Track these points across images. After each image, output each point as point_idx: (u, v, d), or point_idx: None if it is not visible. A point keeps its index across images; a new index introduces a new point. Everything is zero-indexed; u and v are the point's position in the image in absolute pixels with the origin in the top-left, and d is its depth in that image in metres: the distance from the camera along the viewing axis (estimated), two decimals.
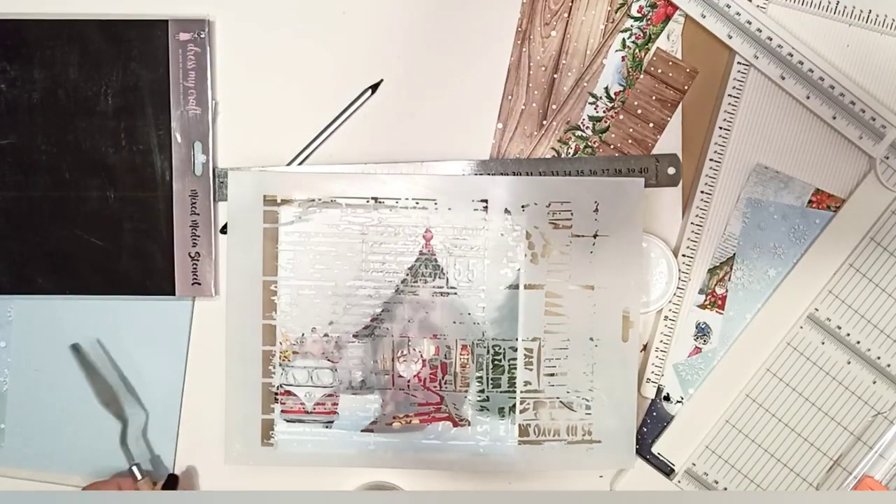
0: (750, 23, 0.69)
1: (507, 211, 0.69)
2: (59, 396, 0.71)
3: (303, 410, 0.69)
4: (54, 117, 0.69)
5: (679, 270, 0.71)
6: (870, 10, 0.70)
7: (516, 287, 0.69)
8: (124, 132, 0.69)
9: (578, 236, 0.69)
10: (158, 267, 0.70)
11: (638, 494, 0.68)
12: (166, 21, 0.69)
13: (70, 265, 0.70)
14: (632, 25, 0.71)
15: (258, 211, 0.68)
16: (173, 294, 0.70)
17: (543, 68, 0.70)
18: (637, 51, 0.70)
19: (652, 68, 0.71)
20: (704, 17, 0.70)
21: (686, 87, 0.71)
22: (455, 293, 0.69)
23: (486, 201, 0.69)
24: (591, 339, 0.69)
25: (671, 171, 0.71)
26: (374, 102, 0.71)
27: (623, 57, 0.71)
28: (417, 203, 0.68)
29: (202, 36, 0.69)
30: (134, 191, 0.70)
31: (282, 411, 0.69)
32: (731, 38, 0.70)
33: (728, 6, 0.69)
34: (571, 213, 0.69)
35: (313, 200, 0.68)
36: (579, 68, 0.70)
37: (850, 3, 0.70)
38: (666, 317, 0.72)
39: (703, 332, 0.72)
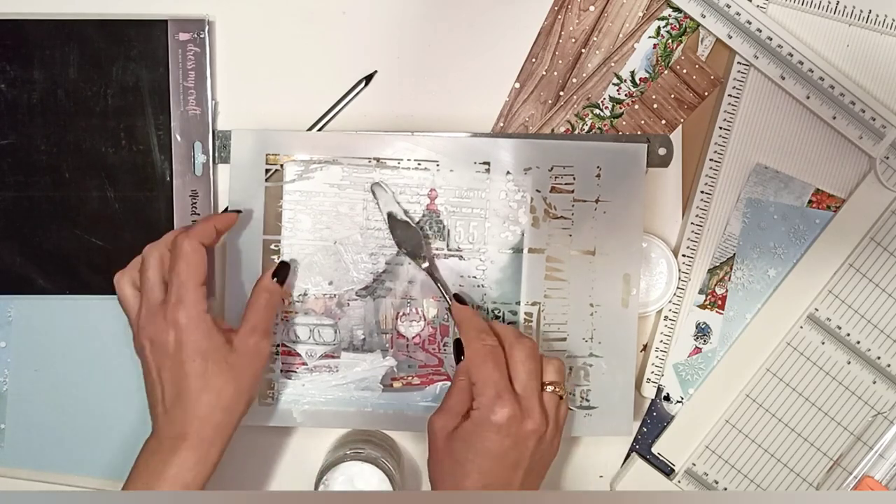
0: (750, 23, 0.69)
1: (509, 174, 0.69)
2: (59, 396, 0.71)
3: (303, 365, 0.69)
4: (54, 117, 0.69)
5: (679, 270, 0.71)
6: (870, 10, 0.70)
7: (518, 250, 0.69)
8: (124, 132, 0.69)
9: (580, 201, 0.69)
10: None
11: (638, 494, 0.68)
12: (166, 21, 0.69)
13: (70, 265, 0.70)
14: (669, 15, 0.71)
15: (260, 169, 0.68)
16: None
17: (573, 40, 0.70)
18: (670, 41, 0.70)
19: (678, 67, 0.71)
20: (704, 17, 0.70)
21: (706, 94, 0.71)
22: (456, 255, 0.69)
23: (487, 164, 0.69)
24: (591, 304, 0.69)
25: (662, 151, 0.71)
26: (377, 83, 0.71)
27: (655, 45, 0.71)
28: (419, 164, 0.68)
29: (202, 36, 0.69)
30: (134, 191, 0.70)
31: (281, 370, 0.69)
32: (731, 38, 0.70)
33: (728, 6, 0.69)
34: (574, 178, 0.69)
35: (315, 160, 0.68)
36: (608, 48, 0.70)
37: (850, 3, 0.70)
38: (666, 317, 0.72)
39: (703, 332, 0.72)
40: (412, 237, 0.68)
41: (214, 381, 0.60)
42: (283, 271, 0.66)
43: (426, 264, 0.68)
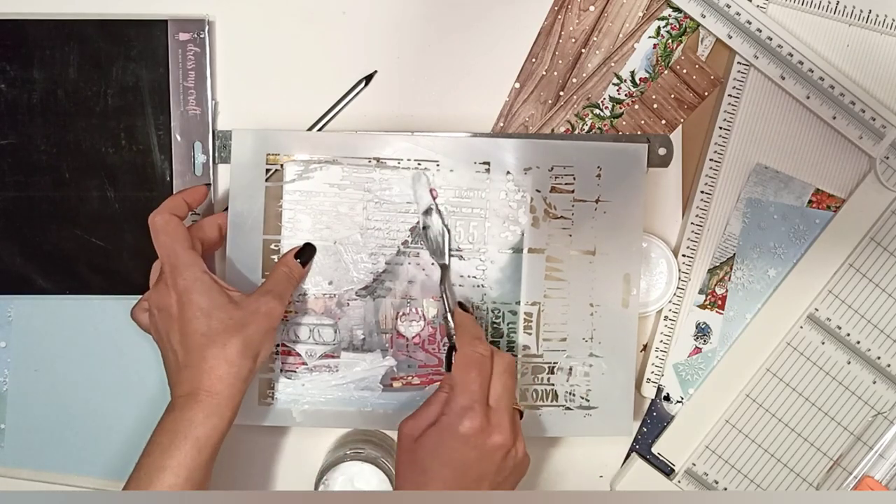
0: (750, 23, 0.69)
1: (509, 174, 0.69)
2: (59, 396, 0.71)
3: (303, 365, 0.69)
4: (54, 117, 0.69)
5: (679, 270, 0.71)
6: (870, 10, 0.70)
7: (518, 250, 0.69)
8: (124, 132, 0.69)
9: (580, 201, 0.69)
10: None
11: (638, 494, 0.68)
12: (166, 21, 0.69)
13: (70, 265, 0.70)
14: (669, 15, 0.71)
15: (260, 169, 0.68)
16: None
17: (573, 40, 0.70)
18: (670, 41, 0.70)
19: (678, 67, 0.71)
20: (704, 17, 0.70)
21: (706, 94, 0.71)
22: (456, 255, 0.69)
23: (487, 164, 0.69)
24: (591, 304, 0.69)
25: (662, 151, 0.71)
26: (377, 83, 0.71)
27: (655, 45, 0.71)
28: (419, 164, 0.68)
29: (202, 36, 0.69)
30: (134, 191, 0.70)
31: (281, 369, 0.69)
32: (731, 38, 0.70)
33: (728, 6, 0.69)
34: (574, 178, 0.69)
35: (315, 160, 0.68)
36: (608, 48, 0.70)
37: (850, 3, 0.70)
38: (666, 317, 0.72)
39: (703, 332, 0.72)
40: (439, 235, 0.68)
41: (219, 336, 0.60)
42: (306, 253, 0.67)
43: (444, 261, 0.68)
